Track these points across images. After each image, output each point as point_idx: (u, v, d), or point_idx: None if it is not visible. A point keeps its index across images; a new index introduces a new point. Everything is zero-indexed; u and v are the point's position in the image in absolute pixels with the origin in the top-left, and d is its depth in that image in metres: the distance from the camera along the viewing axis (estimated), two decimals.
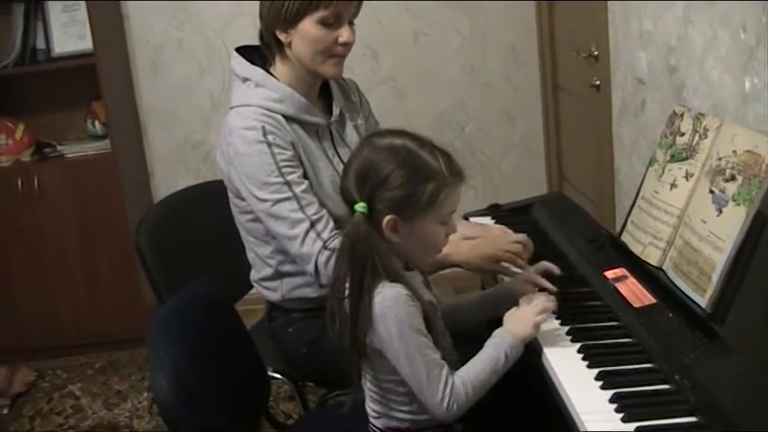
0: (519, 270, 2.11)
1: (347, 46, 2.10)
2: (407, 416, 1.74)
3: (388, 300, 1.64)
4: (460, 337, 1.83)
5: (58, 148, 4.07)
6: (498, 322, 1.80)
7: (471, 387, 1.65)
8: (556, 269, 2.02)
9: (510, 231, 2.30)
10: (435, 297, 1.85)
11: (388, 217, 1.66)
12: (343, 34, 2.08)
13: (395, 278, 1.67)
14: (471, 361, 1.70)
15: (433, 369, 1.63)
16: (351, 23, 2.11)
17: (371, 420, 1.80)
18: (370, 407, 1.79)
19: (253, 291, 2.40)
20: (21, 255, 3.97)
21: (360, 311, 1.64)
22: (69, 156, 4.04)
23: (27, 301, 4.02)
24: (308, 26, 2.05)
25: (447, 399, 1.63)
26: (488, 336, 1.75)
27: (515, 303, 1.83)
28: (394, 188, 1.65)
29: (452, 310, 1.97)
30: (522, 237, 2.19)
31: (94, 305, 4.03)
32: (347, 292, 1.69)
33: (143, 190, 4.31)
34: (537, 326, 1.76)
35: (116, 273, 3.98)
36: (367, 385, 1.77)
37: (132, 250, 2.49)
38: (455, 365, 1.70)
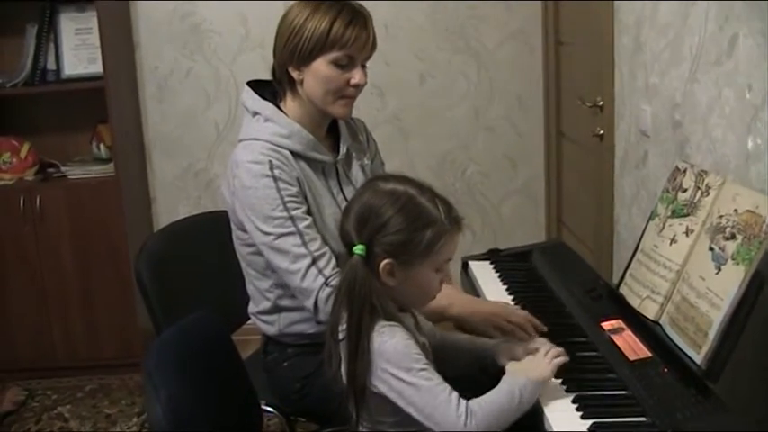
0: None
1: (358, 88, 2.13)
2: None
3: (386, 335, 1.65)
4: (452, 382, 1.83)
5: (62, 169, 4.09)
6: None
7: (489, 409, 1.63)
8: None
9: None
10: (426, 336, 1.87)
11: (385, 261, 1.68)
12: (356, 76, 2.10)
13: (391, 318, 1.68)
14: (486, 393, 1.68)
15: (441, 393, 1.62)
16: (363, 65, 2.13)
17: None
18: None
19: (249, 322, 2.41)
20: (18, 273, 3.97)
21: (358, 352, 1.65)
22: (72, 177, 4.05)
23: (22, 320, 4.01)
24: (321, 66, 2.08)
25: (464, 415, 1.60)
26: (483, 381, 1.75)
27: (497, 362, 1.85)
28: (393, 233, 1.67)
29: (438, 347, 1.98)
30: (526, 314, 2.13)
31: (89, 328, 4.02)
32: (342, 334, 1.70)
33: (144, 215, 4.33)
34: (555, 367, 1.75)
35: (112, 296, 3.98)
36: (360, 428, 1.77)
37: (130, 275, 2.50)
38: None
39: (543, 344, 1.87)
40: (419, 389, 1.62)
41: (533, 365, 1.76)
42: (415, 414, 1.64)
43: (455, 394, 1.63)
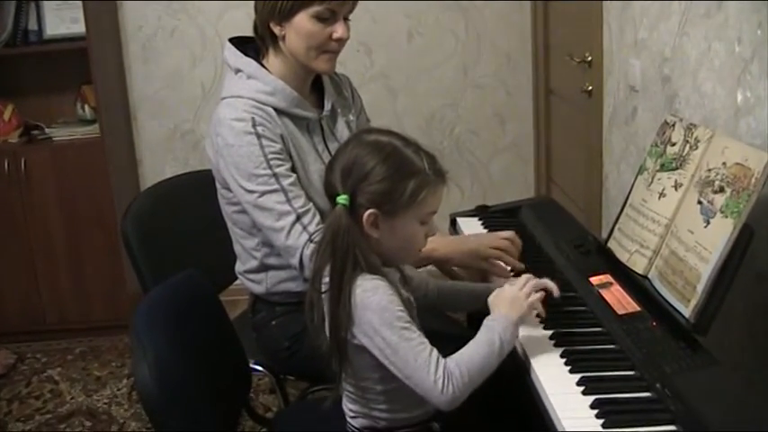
0: (506, 267, 2.11)
1: (341, 42, 2.10)
2: (384, 414, 1.75)
3: (369, 290, 1.63)
4: (437, 338, 1.82)
5: (47, 130, 4.06)
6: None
7: (466, 369, 1.61)
8: (556, 291, 1.85)
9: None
10: (417, 286, 1.86)
11: (369, 211, 1.66)
12: (338, 30, 2.07)
13: (374, 271, 1.67)
14: (465, 347, 1.67)
15: (421, 352, 1.61)
16: (346, 19, 2.10)
17: (349, 420, 1.80)
18: (347, 406, 1.80)
19: (237, 282, 2.39)
20: (5, 236, 3.96)
21: (340, 304, 1.64)
22: (57, 139, 4.03)
23: (9, 284, 4.01)
24: (303, 21, 2.05)
25: (441, 379, 1.59)
26: (468, 336, 1.74)
27: None
28: (376, 182, 1.66)
29: (438, 293, 2.00)
30: (509, 233, 2.17)
31: (77, 290, 4.02)
32: (325, 286, 1.69)
33: (130, 176, 4.30)
34: (531, 306, 1.74)
35: (100, 259, 3.98)
36: (345, 385, 1.77)
37: (117, 237, 2.48)
38: None
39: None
40: (399, 348, 1.61)
41: (511, 302, 1.73)
42: (394, 371, 1.63)
43: (435, 355, 1.62)
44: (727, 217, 1.71)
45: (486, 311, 1.76)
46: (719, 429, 1.39)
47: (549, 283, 1.84)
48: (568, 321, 1.88)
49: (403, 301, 1.68)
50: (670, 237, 1.91)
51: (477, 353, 1.65)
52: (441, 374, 1.60)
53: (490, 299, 1.77)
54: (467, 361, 1.63)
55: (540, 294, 1.77)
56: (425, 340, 1.64)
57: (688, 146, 1.96)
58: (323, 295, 1.69)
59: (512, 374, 1.73)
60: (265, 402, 3.34)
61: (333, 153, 2.09)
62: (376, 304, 1.62)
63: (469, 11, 4.21)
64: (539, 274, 2.04)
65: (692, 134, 1.96)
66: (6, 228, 3.94)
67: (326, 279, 1.68)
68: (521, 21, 4.23)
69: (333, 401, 1.82)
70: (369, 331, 1.63)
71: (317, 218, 2.03)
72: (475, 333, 1.72)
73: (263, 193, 2.02)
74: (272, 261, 2.19)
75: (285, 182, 2.03)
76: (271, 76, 2.11)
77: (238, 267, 2.30)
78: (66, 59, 3.97)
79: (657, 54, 2.59)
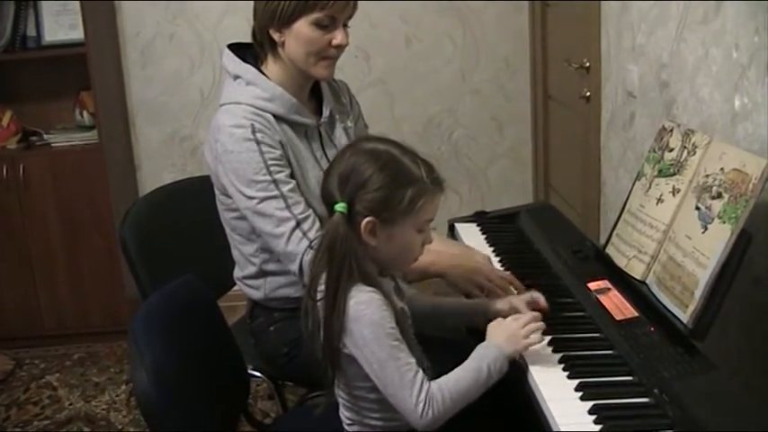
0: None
1: (340, 48, 2.10)
2: (379, 422, 1.75)
3: (363, 303, 1.63)
4: (435, 344, 1.83)
5: (45, 136, 4.05)
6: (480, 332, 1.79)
7: (449, 394, 1.63)
8: (543, 301, 1.92)
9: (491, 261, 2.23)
10: (410, 300, 1.86)
11: (366, 219, 1.67)
12: (338, 36, 2.07)
13: (369, 282, 1.67)
14: (453, 371, 1.68)
15: (406, 373, 1.62)
16: (345, 25, 2.10)
17: (345, 427, 1.80)
18: (344, 414, 1.80)
19: (235, 288, 2.39)
20: (3, 242, 3.95)
21: (334, 313, 1.64)
22: (56, 145, 4.02)
23: (8, 290, 4.00)
24: (303, 27, 2.05)
25: (422, 404, 1.60)
26: (466, 343, 1.74)
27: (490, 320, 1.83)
28: (374, 190, 1.66)
29: (431, 312, 1.98)
30: (507, 274, 2.16)
31: (76, 296, 4.02)
32: (320, 294, 1.69)
33: (129, 182, 4.30)
34: (526, 346, 1.74)
35: (99, 264, 3.97)
36: (339, 392, 1.78)
37: (116, 242, 2.48)
38: (427, 373, 1.68)
39: (524, 308, 1.87)
40: (386, 365, 1.61)
41: (509, 336, 1.73)
42: (379, 386, 1.64)
43: (419, 377, 1.62)
44: (724, 222, 1.71)
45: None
46: None
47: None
48: (566, 327, 1.88)
49: (396, 312, 1.69)
50: (668, 242, 1.92)
51: (464, 378, 1.66)
52: (423, 398, 1.61)
53: (489, 326, 1.78)
54: (451, 386, 1.64)
55: (537, 337, 1.75)
56: (413, 360, 1.64)
57: (686, 151, 1.96)
58: (318, 303, 1.69)
59: (510, 379, 1.73)
60: (264, 408, 3.33)
61: (331, 159, 2.11)
62: (368, 318, 1.63)
63: (467, 16, 4.21)
64: (537, 280, 2.05)
65: (690, 140, 1.97)
66: (5, 234, 3.94)
67: (322, 287, 1.68)
68: (519, 26, 4.23)
69: (324, 408, 1.82)
70: (359, 343, 1.63)
71: (317, 224, 2.03)
72: (473, 340, 1.73)
73: (262, 200, 2.02)
74: (270, 267, 2.19)
75: (285, 188, 2.03)
76: (270, 83, 2.11)
77: (237, 273, 2.30)
78: (64, 65, 3.97)
79: (655, 60, 2.60)
